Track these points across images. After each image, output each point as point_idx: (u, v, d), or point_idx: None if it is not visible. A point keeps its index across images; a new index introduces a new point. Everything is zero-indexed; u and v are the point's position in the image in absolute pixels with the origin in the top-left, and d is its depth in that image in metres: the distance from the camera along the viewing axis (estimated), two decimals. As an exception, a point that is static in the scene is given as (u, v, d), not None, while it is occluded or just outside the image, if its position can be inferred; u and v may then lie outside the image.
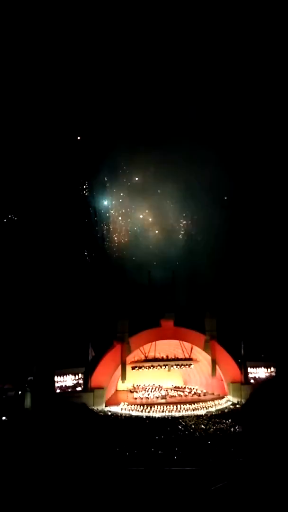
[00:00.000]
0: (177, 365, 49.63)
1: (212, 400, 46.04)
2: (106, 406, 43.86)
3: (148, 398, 47.01)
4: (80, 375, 44.39)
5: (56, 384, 43.49)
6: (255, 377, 47.47)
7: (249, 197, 75.83)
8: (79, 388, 44.23)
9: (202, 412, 42.43)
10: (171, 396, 48.39)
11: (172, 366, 49.78)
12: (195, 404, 44.10)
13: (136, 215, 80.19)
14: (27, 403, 41.06)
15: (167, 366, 49.68)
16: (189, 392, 49.77)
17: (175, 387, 52.03)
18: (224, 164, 70.29)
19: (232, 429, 34.77)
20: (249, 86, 71.59)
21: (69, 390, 44.16)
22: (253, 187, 75.85)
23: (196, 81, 70.29)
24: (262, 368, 47.89)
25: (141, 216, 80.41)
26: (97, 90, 70.88)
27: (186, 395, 48.97)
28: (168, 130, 72.12)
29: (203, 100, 69.63)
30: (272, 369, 47.45)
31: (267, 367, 47.97)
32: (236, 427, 34.77)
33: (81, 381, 44.41)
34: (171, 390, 50.95)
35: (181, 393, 49.76)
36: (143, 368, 48.57)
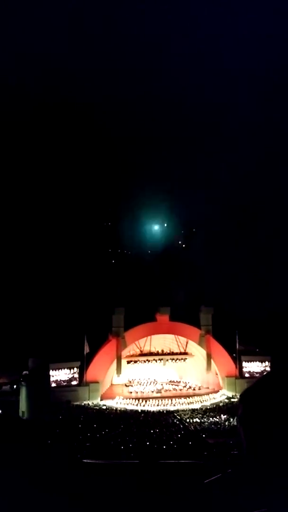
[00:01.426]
0: (172, 359, 49.76)
1: (207, 394, 46.26)
2: (101, 400, 43.97)
3: (143, 392, 47.14)
4: (75, 369, 44.39)
5: (51, 378, 43.45)
6: (249, 371, 47.70)
7: (244, 191, 75.98)
8: (74, 382, 44.24)
9: (197, 406, 42.64)
10: (166, 390, 48.55)
11: (167, 360, 49.91)
12: (190, 398, 44.30)
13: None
14: (22, 397, 41.11)
15: (162, 361, 49.80)
16: (184, 386, 49.96)
17: (170, 381, 52.20)
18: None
19: (226, 422, 35.02)
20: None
21: (64, 384, 44.16)
22: (251, 184, 76.06)
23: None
24: (257, 362, 48.08)
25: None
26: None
27: (181, 389, 49.16)
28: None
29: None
30: (267, 363, 47.63)
31: (262, 361, 48.17)
32: (231, 420, 35.03)
33: (76, 375, 44.40)
34: (166, 384, 51.11)
35: (176, 387, 49.94)
36: (138, 362, 48.67)
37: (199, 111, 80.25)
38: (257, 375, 45.91)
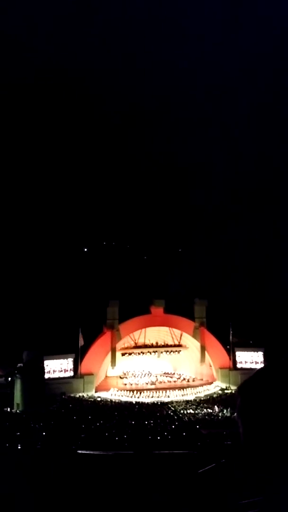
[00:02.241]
0: (166, 351, 50.00)
1: (201, 385, 46.60)
2: (96, 392, 44.15)
3: (137, 384, 47.38)
4: (70, 362, 44.45)
5: (46, 370, 43.48)
6: (243, 361, 48.01)
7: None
8: (69, 375, 44.32)
9: (191, 397, 42.94)
10: (161, 382, 48.84)
11: (161, 352, 50.14)
12: (184, 389, 44.60)
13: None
14: (17, 389, 41.17)
15: (156, 353, 50.03)
16: (178, 378, 50.26)
17: (164, 373, 52.49)
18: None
19: (220, 413, 35.35)
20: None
21: (59, 376, 44.22)
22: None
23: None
24: (251, 353, 48.37)
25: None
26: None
27: (175, 381, 49.47)
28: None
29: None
30: (261, 354, 47.92)
31: (255, 353, 48.46)
32: (225, 411, 35.36)
33: (71, 368, 44.47)
34: (161, 376, 51.40)
35: (170, 379, 50.24)
36: (132, 354, 48.86)
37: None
38: (251, 366, 46.30)
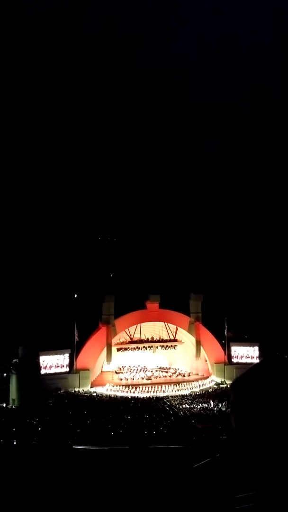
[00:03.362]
0: (162, 346, 50.11)
1: (196, 380, 46.78)
2: (91, 387, 44.21)
3: (133, 379, 47.49)
4: (65, 357, 44.45)
5: (41, 366, 43.47)
6: (238, 355, 48.23)
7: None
8: (64, 370, 44.33)
9: (186, 392, 43.11)
10: (156, 377, 48.97)
11: (157, 347, 50.25)
12: (180, 384, 44.76)
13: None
14: (13, 385, 41.15)
15: (152, 348, 50.14)
16: (174, 373, 50.43)
17: (160, 368, 52.65)
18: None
19: (215, 408, 35.52)
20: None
21: (55, 372, 44.23)
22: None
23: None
24: (246, 348, 48.62)
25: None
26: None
27: (170, 376, 49.62)
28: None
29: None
30: (256, 348, 48.16)
31: (250, 347, 48.72)
32: (220, 406, 35.54)
33: (66, 363, 44.47)
34: (156, 371, 51.55)
35: (166, 374, 50.39)
36: (128, 349, 48.94)
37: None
38: (246, 361, 46.54)
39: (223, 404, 35.66)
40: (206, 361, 49.11)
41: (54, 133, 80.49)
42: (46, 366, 43.23)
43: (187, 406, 36.76)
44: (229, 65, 79.97)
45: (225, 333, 47.88)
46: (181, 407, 36.37)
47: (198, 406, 36.50)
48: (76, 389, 43.15)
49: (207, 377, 47.92)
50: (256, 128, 78.45)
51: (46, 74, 77.56)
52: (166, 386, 44.09)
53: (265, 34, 76.41)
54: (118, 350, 48.31)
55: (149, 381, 46.61)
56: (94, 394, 42.27)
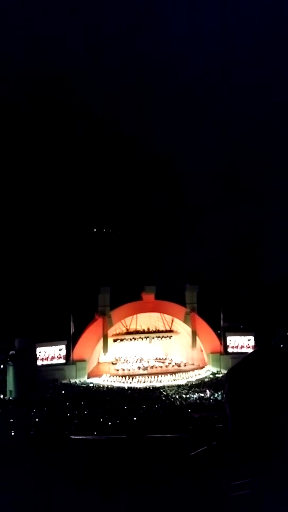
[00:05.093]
0: (158, 337, 50.32)
1: (192, 370, 47.12)
2: (88, 378, 44.43)
3: (129, 369, 47.74)
4: (62, 348, 44.57)
5: (38, 357, 43.58)
6: (233, 345, 48.55)
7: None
8: (61, 361, 44.47)
9: (182, 382, 43.43)
10: (152, 367, 49.24)
11: (153, 338, 50.44)
12: (176, 374, 45.08)
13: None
14: (10, 376, 41.28)
15: (148, 338, 50.34)
16: (170, 363, 50.71)
17: (156, 359, 52.92)
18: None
19: (211, 397, 35.85)
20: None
21: (51, 363, 44.35)
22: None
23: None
24: (241, 338, 48.91)
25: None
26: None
27: (167, 366, 49.90)
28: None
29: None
30: (251, 338, 48.47)
31: (246, 337, 49.03)
32: (216, 395, 35.86)
33: (63, 354, 44.60)
34: (153, 361, 51.81)
35: (162, 364, 50.67)
36: (124, 340, 49.12)
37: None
38: (241, 351, 46.86)
39: (219, 393, 35.98)
40: (202, 351, 49.42)
41: (50, 125, 79.98)
42: (42, 358, 43.35)
43: (183, 395, 37.07)
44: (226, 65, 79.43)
45: (221, 323, 48.15)
46: (177, 396, 36.67)
47: (194, 396, 36.82)
48: (73, 380, 43.35)
49: (203, 367, 48.26)
50: (256, 128, 78.30)
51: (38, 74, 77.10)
52: (163, 376, 44.39)
53: (265, 34, 76.03)
54: (115, 341, 48.48)
55: (145, 372, 46.89)
56: (91, 385, 42.50)
